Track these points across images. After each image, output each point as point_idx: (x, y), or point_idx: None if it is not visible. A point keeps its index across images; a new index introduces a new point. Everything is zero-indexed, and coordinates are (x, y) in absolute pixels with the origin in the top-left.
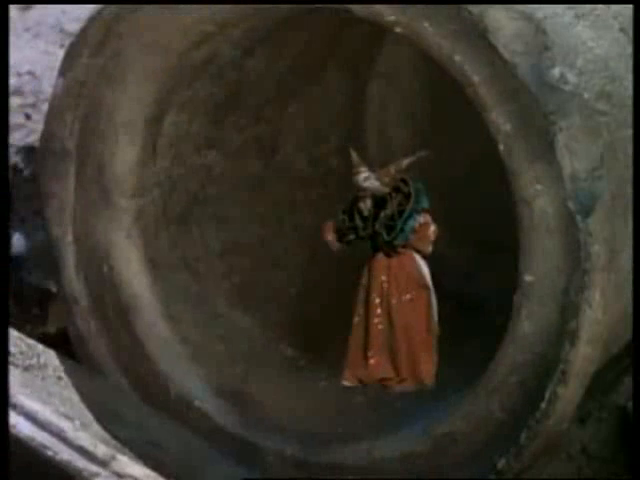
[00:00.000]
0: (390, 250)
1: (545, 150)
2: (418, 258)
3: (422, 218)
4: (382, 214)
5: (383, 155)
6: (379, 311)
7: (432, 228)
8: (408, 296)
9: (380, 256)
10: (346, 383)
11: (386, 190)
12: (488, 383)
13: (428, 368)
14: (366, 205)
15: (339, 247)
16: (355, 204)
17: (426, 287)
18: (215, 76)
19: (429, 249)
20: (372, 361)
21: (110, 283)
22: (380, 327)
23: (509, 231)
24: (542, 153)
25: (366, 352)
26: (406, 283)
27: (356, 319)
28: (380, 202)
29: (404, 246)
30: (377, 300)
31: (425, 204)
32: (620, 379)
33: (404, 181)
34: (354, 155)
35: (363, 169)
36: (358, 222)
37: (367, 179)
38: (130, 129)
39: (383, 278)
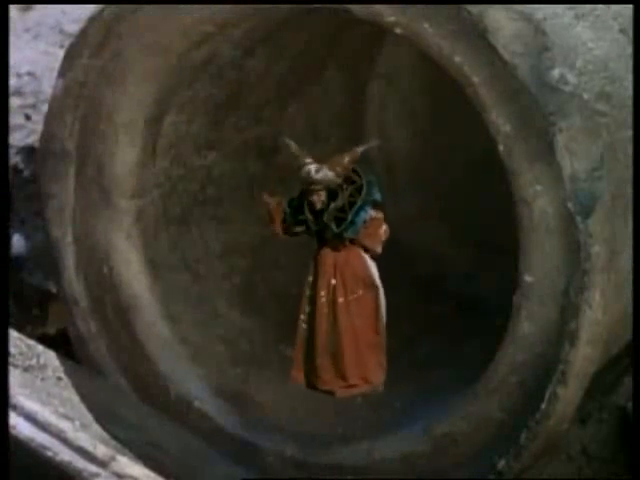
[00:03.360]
0: (338, 243)
1: (545, 151)
2: (366, 257)
3: (374, 213)
4: (332, 206)
5: (383, 155)
6: (325, 310)
7: (384, 227)
8: (355, 295)
9: (326, 251)
10: (294, 382)
11: (339, 181)
12: (488, 383)
13: (377, 372)
14: (320, 198)
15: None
16: (306, 197)
17: (374, 286)
18: (215, 76)
19: (379, 249)
20: (318, 362)
21: (110, 284)
22: (325, 327)
23: (509, 231)
24: (542, 154)
25: (313, 353)
26: (353, 281)
27: (302, 317)
28: (330, 194)
29: (352, 242)
30: (323, 299)
31: (377, 197)
32: (620, 380)
33: (356, 173)
34: (293, 145)
35: (309, 160)
36: (308, 215)
37: (319, 170)
38: (130, 130)
39: (329, 275)
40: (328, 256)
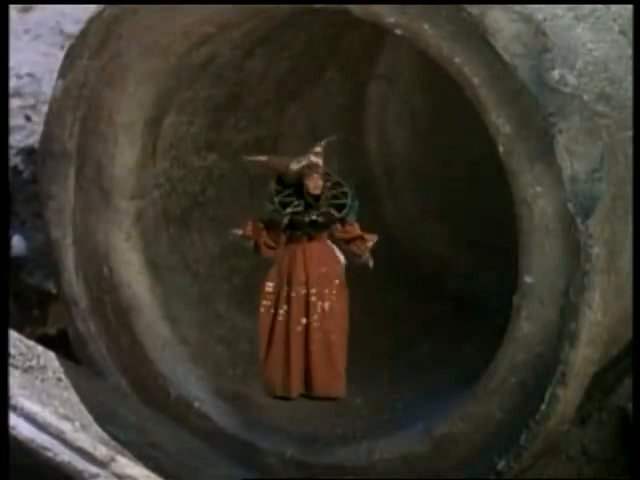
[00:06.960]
0: (343, 226)
1: (545, 152)
2: (341, 257)
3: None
4: (323, 197)
5: (383, 155)
6: (300, 305)
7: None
8: (333, 290)
9: (302, 247)
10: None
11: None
12: (488, 383)
13: (337, 382)
14: (317, 182)
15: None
16: (302, 185)
17: (344, 287)
18: (215, 77)
19: (366, 253)
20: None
21: (110, 285)
22: (297, 326)
23: (509, 231)
24: (542, 154)
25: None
26: (326, 280)
27: (281, 313)
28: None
29: (334, 240)
30: (294, 294)
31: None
32: (620, 380)
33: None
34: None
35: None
36: (312, 202)
37: (318, 154)
38: (130, 130)
39: (302, 271)
40: (303, 248)
